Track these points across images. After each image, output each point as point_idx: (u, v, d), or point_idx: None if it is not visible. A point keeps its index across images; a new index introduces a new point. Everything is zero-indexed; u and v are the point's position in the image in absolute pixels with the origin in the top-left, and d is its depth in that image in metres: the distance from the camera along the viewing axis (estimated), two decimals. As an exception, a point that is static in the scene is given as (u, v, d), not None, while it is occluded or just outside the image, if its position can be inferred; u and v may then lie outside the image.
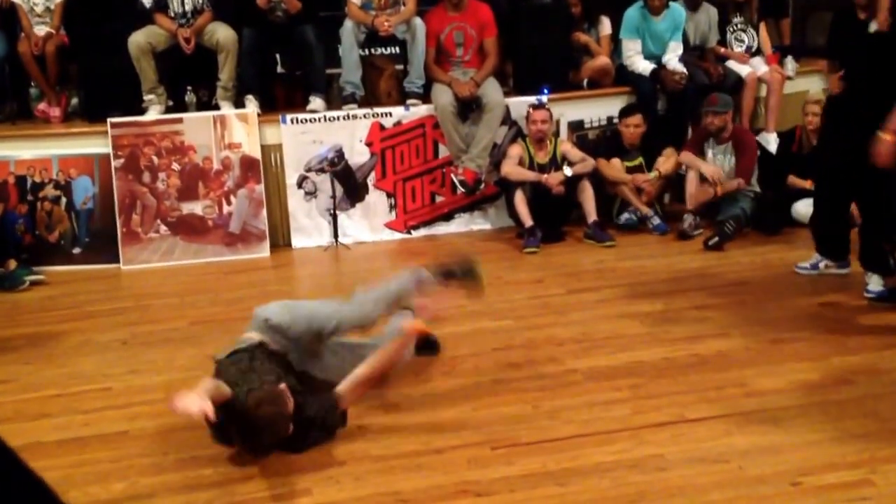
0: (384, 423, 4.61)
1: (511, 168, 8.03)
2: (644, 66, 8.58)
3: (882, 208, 6.03)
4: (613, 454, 4.16)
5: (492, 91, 8.26)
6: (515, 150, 8.13)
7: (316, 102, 8.33)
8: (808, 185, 7.83)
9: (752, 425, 4.35)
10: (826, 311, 5.92)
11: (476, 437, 4.40)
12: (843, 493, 3.73)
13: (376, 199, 8.41)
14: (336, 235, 8.17)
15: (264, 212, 8.17)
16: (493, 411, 4.68)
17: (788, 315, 5.88)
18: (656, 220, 8.00)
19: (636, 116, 8.22)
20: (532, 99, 8.32)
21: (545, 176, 7.93)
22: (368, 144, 8.34)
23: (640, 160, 8.26)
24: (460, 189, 8.33)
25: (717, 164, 8.03)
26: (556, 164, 8.05)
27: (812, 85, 9.08)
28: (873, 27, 6.02)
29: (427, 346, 5.37)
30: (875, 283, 6.11)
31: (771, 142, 8.63)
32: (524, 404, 4.74)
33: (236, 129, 8.16)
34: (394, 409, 4.75)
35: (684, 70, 8.52)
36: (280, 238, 8.34)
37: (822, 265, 6.57)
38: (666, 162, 8.19)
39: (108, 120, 8.04)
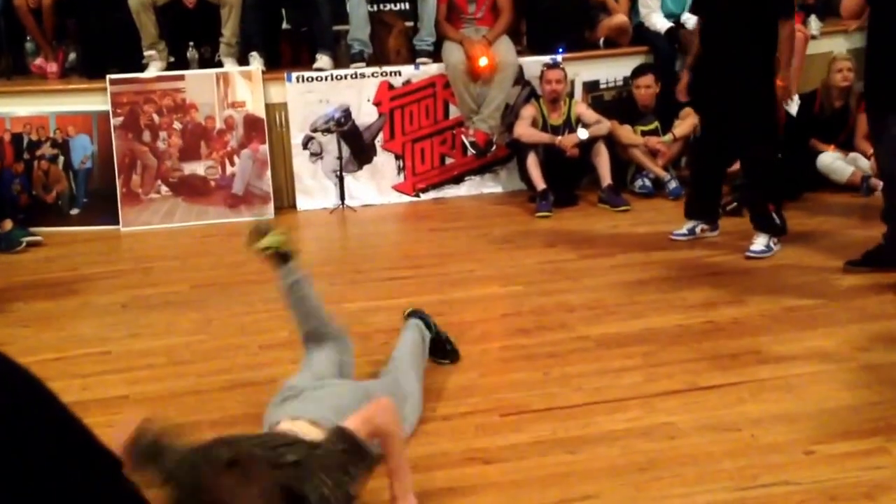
0: (390, 388, 4.67)
1: (524, 129, 8.07)
2: (661, 24, 8.60)
3: (761, 168, 6.52)
4: (624, 422, 4.22)
5: (504, 50, 8.28)
6: (529, 112, 8.16)
7: (322, 60, 8.35)
8: (830, 148, 7.90)
9: (766, 393, 4.41)
10: (844, 278, 5.95)
11: (484, 404, 4.46)
12: (857, 461, 3.79)
13: (384, 160, 8.45)
14: (342, 198, 8.20)
15: (268, 173, 8.23)
16: (501, 378, 4.76)
17: (806, 281, 5.94)
18: (673, 184, 8.04)
19: (647, 77, 8.24)
20: (546, 58, 8.34)
21: (559, 138, 7.97)
22: (377, 104, 8.37)
23: (655, 124, 8.29)
24: (471, 151, 8.37)
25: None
26: (570, 125, 8.09)
27: (836, 45, 9.07)
28: None
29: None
30: (759, 244, 6.47)
31: (793, 104, 8.63)
32: (534, 371, 4.80)
33: (240, 87, 8.20)
34: (400, 375, 4.82)
35: (704, 29, 8.52)
36: (284, 200, 8.39)
37: (697, 230, 6.90)
38: (682, 124, 8.22)
39: (108, 76, 8.09)
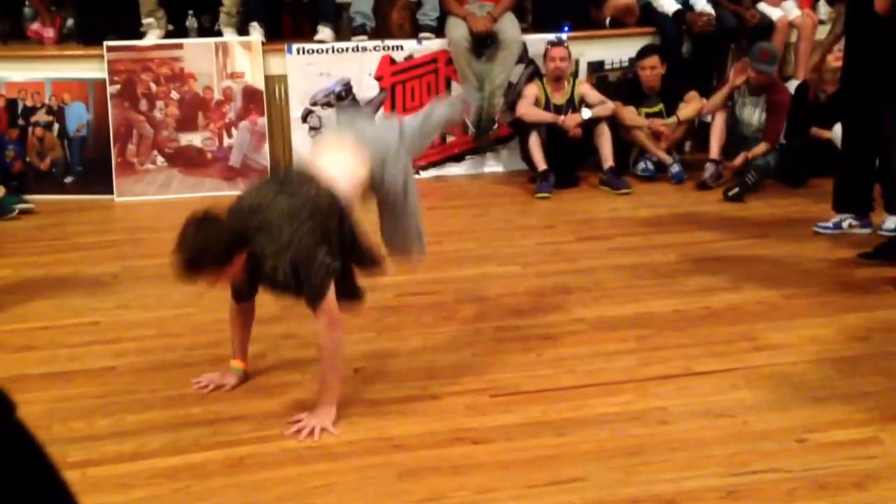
0: (379, 366, 4.68)
1: (527, 109, 8.05)
2: (669, 5, 8.58)
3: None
4: (616, 406, 4.22)
5: (509, 27, 8.26)
6: (531, 90, 8.15)
7: (324, 32, 8.33)
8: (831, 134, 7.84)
9: (760, 380, 4.42)
10: (845, 267, 5.95)
11: (475, 384, 4.46)
12: (849, 450, 3.79)
13: (384, 136, 8.43)
14: (340, 173, 8.18)
15: (266, 146, 8.22)
16: (493, 358, 4.75)
17: (806, 270, 5.93)
18: (675, 168, 8.04)
19: (652, 58, 8.21)
20: (551, 36, 8.32)
21: (562, 117, 7.96)
22: (378, 79, 8.35)
23: (660, 107, 8.27)
24: (472, 129, 8.36)
25: (746, 115, 8.04)
26: (573, 105, 8.08)
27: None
28: None
29: None
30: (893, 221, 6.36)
31: (801, 90, 8.62)
32: (527, 352, 4.80)
33: (239, 57, 8.19)
34: (390, 353, 4.82)
35: (712, 12, 8.51)
36: (282, 174, 8.36)
37: (845, 224, 6.56)
38: (687, 107, 8.20)
39: (105, 43, 8.06)
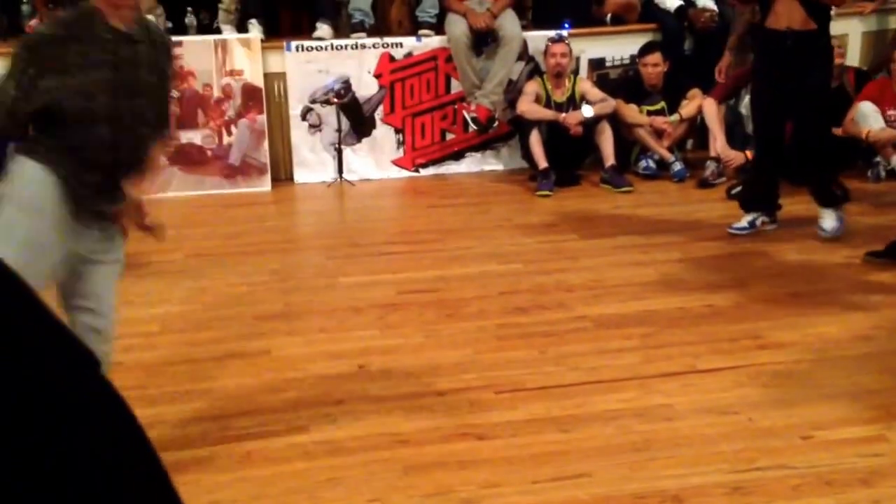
0: (384, 363, 4.72)
1: (527, 106, 8.08)
2: (671, 2, 8.61)
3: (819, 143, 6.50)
4: (620, 402, 4.27)
5: (509, 24, 8.27)
6: (532, 87, 8.17)
7: (323, 30, 8.34)
8: (839, 131, 7.85)
9: (765, 377, 4.46)
10: (850, 266, 5.99)
11: (479, 381, 4.51)
12: (855, 448, 3.84)
13: (383, 134, 8.46)
14: (340, 171, 8.22)
15: (266, 144, 8.23)
16: (497, 355, 4.80)
17: (810, 268, 5.98)
18: (677, 166, 8.06)
19: (654, 55, 8.22)
20: (552, 33, 8.34)
21: (563, 115, 7.98)
22: (377, 76, 8.38)
23: (661, 104, 8.29)
24: (472, 127, 8.36)
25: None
26: (574, 103, 8.10)
27: (851, 27, 9.07)
28: None
29: None
30: (829, 220, 6.46)
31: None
32: (530, 349, 4.85)
33: (238, 55, 8.20)
34: (394, 350, 4.86)
35: (715, 8, 8.54)
36: (282, 172, 8.40)
37: (758, 222, 6.70)
38: (689, 104, 8.22)
39: (104, 41, 8.06)
